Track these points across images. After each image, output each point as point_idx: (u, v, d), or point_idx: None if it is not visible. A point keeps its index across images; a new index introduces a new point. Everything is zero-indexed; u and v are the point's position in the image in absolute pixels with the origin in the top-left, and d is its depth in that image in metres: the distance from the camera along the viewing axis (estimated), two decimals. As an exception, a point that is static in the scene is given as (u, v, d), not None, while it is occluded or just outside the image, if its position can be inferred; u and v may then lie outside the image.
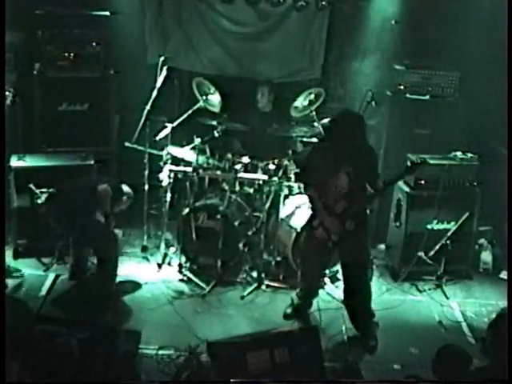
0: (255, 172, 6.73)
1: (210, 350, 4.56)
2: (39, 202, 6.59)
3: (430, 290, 6.66)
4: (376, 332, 5.78)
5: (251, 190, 6.81)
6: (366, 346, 5.68)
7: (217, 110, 7.14)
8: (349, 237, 5.48)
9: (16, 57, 6.95)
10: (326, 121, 6.78)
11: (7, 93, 6.45)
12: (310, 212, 5.78)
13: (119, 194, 6.20)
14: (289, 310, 6.09)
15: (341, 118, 5.47)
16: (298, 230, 6.36)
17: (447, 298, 6.54)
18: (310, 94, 7.06)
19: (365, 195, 5.50)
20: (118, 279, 6.29)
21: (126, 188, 6.27)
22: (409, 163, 6.02)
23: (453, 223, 6.67)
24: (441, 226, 6.66)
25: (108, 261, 6.15)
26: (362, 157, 5.39)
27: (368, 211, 5.76)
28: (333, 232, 5.50)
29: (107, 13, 7.14)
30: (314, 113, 7.04)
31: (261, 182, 6.68)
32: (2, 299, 4.05)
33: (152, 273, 6.67)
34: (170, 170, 6.61)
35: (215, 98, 7.06)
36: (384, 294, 6.51)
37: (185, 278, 6.55)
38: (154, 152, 6.76)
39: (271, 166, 6.64)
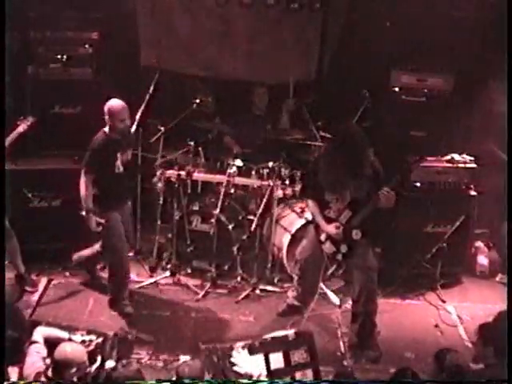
0: (249, 175, 6.68)
1: (204, 354, 4.52)
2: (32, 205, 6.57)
3: (426, 293, 6.62)
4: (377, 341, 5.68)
5: (245, 194, 6.76)
6: (369, 356, 5.56)
7: (211, 112, 7.11)
8: (357, 246, 5.40)
9: (8, 59, 6.89)
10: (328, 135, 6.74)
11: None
12: (313, 224, 5.66)
13: None
14: (284, 307, 6.05)
15: (343, 133, 5.40)
16: (293, 232, 6.32)
17: (443, 301, 6.51)
18: (305, 96, 7.03)
19: (368, 203, 5.35)
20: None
21: None
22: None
23: (449, 226, 6.63)
24: (437, 229, 6.62)
25: None
26: (364, 169, 5.26)
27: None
28: (341, 243, 5.42)
29: (99, 15, 7.09)
30: (308, 115, 7.00)
31: (255, 186, 6.64)
32: (2, 300, 4.03)
33: (145, 276, 6.61)
34: (164, 173, 6.56)
35: (209, 101, 7.02)
36: (380, 298, 6.45)
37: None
38: (148, 155, 6.71)
39: (265, 169, 6.60)
